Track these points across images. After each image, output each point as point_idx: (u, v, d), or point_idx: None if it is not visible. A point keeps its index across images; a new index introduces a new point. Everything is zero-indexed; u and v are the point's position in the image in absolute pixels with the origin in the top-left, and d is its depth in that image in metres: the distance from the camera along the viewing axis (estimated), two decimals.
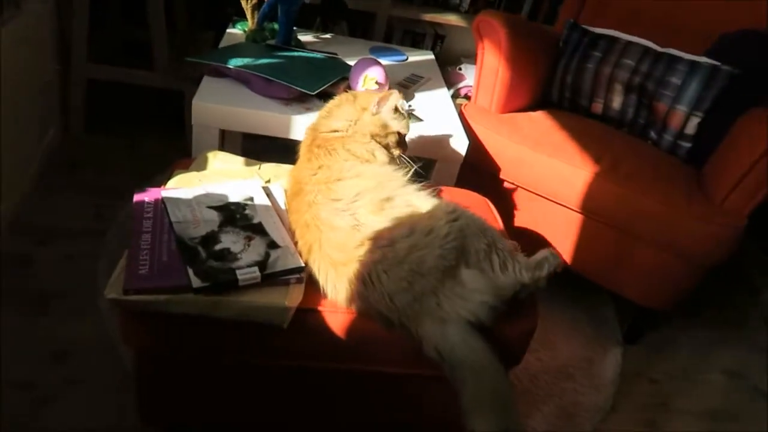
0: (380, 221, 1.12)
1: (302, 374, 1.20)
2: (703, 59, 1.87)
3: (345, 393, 1.27)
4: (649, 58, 1.93)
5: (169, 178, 1.31)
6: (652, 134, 1.98)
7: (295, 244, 1.14)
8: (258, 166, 1.39)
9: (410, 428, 1.37)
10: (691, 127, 1.87)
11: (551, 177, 1.80)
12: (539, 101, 2.15)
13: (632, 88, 1.96)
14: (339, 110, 1.34)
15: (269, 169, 1.39)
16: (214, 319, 1.04)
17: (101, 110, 2.51)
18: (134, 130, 2.49)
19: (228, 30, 2.14)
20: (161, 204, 1.17)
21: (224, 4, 2.70)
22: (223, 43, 2.00)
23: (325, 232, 1.11)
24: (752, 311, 2.25)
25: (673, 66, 1.89)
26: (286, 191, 1.28)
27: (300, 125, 1.61)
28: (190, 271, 1.03)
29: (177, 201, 1.18)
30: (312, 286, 1.11)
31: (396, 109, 1.34)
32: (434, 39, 3.12)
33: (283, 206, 1.24)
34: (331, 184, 1.17)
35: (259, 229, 1.14)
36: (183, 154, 1.58)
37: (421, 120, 1.74)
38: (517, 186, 1.89)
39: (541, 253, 1.20)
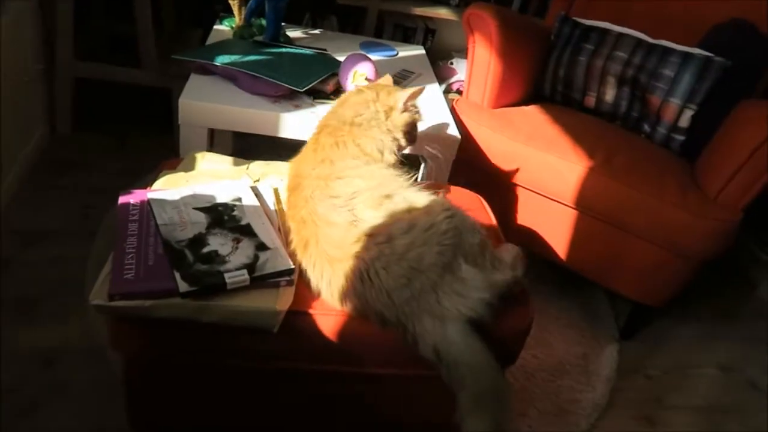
0: (378, 216, 1.09)
1: (292, 377, 1.18)
2: (696, 51, 1.85)
3: (336, 395, 1.25)
4: (641, 50, 1.92)
5: (155, 179, 1.28)
6: (646, 127, 1.97)
7: (291, 241, 1.12)
8: (246, 166, 1.37)
9: (401, 429, 1.36)
10: (684, 120, 1.86)
11: (544, 172, 1.78)
12: (531, 95, 2.13)
13: (625, 80, 1.94)
14: (357, 100, 1.31)
15: (258, 167, 1.37)
16: (203, 323, 1.02)
17: (89, 109, 2.47)
18: (122, 128, 2.46)
19: (215, 26, 2.11)
20: (147, 206, 1.15)
21: (212, 0, 2.66)
22: (210, 40, 1.96)
23: (322, 227, 1.09)
24: (747, 305, 2.25)
25: (666, 58, 1.87)
26: (285, 185, 1.25)
27: (289, 123, 1.58)
28: (177, 275, 1.00)
29: (163, 203, 1.16)
30: (303, 288, 1.09)
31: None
32: (425, 33, 3.09)
33: (272, 206, 1.22)
34: (331, 182, 1.14)
35: (247, 231, 1.12)
36: (172, 152, 1.56)
37: None
38: (511, 182, 1.87)
39: (511, 252, 1.20)
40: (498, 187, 1.89)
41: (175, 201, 1.17)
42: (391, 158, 1.29)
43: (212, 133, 1.77)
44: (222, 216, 1.15)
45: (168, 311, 0.99)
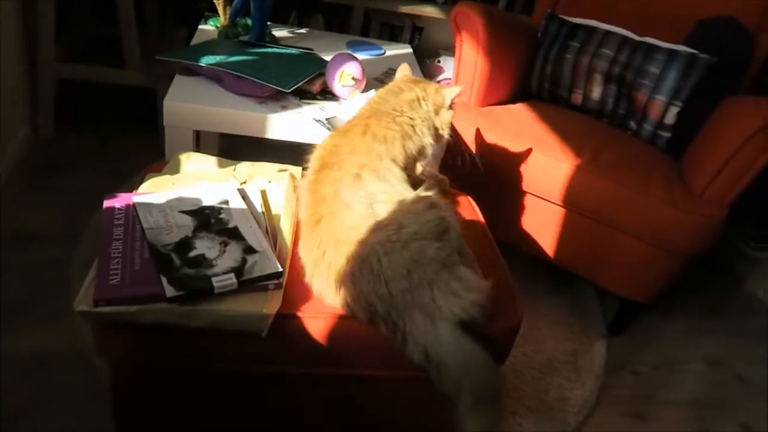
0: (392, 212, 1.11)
1: (282, 380, 1.17)
2: (681, 48, 1.86)
3: (326, 398, 1.24)
4: (627, 48, 1.92)
5: (140, 183, 1.27)
6: (632, 124, 1.97)
7: (303, 213, 1.14)
8: (233, 167, 1.36)
9: (393, 431, 1.36)
10: (670, 117, 1.87)
11: (532, 170, 1.78)
12: (519, 93, 2.13)
13: (611, 78, 1.95)
14: (410, 97, 1.32)
15: (245, 168, 1.36)
16: (190, 327, 1.01)
17: (72, 110, 2.44)
18: (107, 129, 2.44)
19: (200, 26, 2.09)
20: (132, 210, 1.14)
21: None
22: (195, 40, 1.95)
23: (339, 209, 1.09)
24: (733, 300, 2.26)
25: (651, 55, 1.88)
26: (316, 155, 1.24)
27: (275, 123, 1.57)
28: (164, 280, 0.99)
29: (149, 206, 1.14)
30: (291, 291, 1.08)
31: None
32: (412, 31, 3.09)
33: (259, 209, 1.21)
34: (364, 172, 1.14)
35: (234, 234, 1.11)
36: (158, 153, 1.54)
37: None
38: (498, 181, 1.87)
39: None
40: (486, 186, 1.89)
41: (160, 204, 1.15)
42: (429, 156, 1.33)
43: (198, 133, 1.76)
44: (209, 219, 1.14)
45: (155, 316, 0.98)
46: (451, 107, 1.36)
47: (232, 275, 1.01)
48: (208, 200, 1.18)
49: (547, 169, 1.75)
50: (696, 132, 1.81)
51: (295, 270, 1.13)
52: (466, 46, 1.95)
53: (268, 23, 1.98)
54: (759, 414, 1.76)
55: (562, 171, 1.73)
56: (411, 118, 1.29)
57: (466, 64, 1.97)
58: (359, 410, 1.28)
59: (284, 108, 1.61)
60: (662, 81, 1.85)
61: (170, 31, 2.74)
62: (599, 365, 1.78)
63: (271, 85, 1.58)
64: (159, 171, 1.33)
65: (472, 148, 1.86)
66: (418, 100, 1.32)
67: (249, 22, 1.95)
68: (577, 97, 2.05)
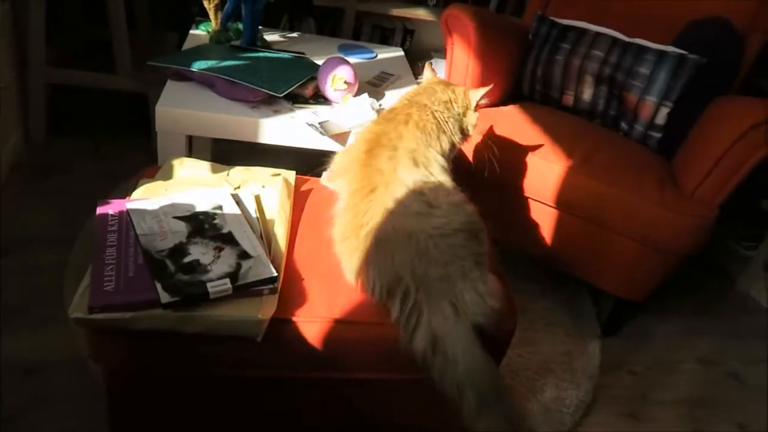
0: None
1: (278, 385, 1.17)
2: (671, 48, 1.87)
3: (323, 401, 1.24)
4: (617, 49, 1.93)
5: (134, 188, 1.27)
6: (623, 125, 1.98)
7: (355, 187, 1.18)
8: (227, 172, 1.36)
9: None
10: (661, 117, 1.88)
11: (524, 172, 1.78)
12: (510, 95, 2.14)
13: (602, 79, 1.96)
14: (443, 98, 1.41)
15: (238, 173, 1.36)
16: (185, 333, 1.00)
17: (64, 114, 2.44)
18: (99, 134, 2.43)
19: (191, 31, 2.09)
20: (126, 216, 1.13)
21: (188, 3, 2.64)
22: (186, 45, 1.95)
23: (396, 184, 1.15)
24: (726, 300, 2.28)
25: (642, 56, 1.89)
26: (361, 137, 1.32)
27: (268, 128, 1.57)
28: (159, 286, 0.99)
29: (142, 212, 1.14)
30: (287, 295, 1.08)
31: None
32: (404, 34, 3.09)
33: (253, 214, 1.21)
34: (416, 157, 1.23)
35: (229, 239, 1.11)
36: (151, 158, 1.54)
37: None
38: (491, 183, 1.87)
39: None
40: (480, 188, 1.89)
41: (154, 210, 1.15)
42: (450, 157, 1.40)
43: (191, 138, 1.75)
44: (203, 224, 1.13)
45: (149, 323, 0.98)
46: (476, 109, 1.43)
47: (227, 280, 1.01)
48: (202, 206, 1.18)
49: (540, 170, 1.76)
50: (687, 132, 1.82)
51: (290, 274, 1.13)
52: (457, 49, 1.96)
53: (260, 27, 1.98)
54: (754, 413, 1.77)
55: (554, 172, 1.73)
56: (445, 117, 1.37)
57: (457, 67, 1.97)
58: (356, 413, 1.28)
59: (277, 112, 1.61)
60: (652, 82, 1.86)
61: (161, 36, 2.74)
62: (594, 366, 1.78)
63: (264, 90, 1.58)
64: (152, 176, 1.32)
65: (465, 150, 1.86)
66: (450, 101, 1.41)
67: (240, 26, 1.95)
68: (569, 99, 2.06)
